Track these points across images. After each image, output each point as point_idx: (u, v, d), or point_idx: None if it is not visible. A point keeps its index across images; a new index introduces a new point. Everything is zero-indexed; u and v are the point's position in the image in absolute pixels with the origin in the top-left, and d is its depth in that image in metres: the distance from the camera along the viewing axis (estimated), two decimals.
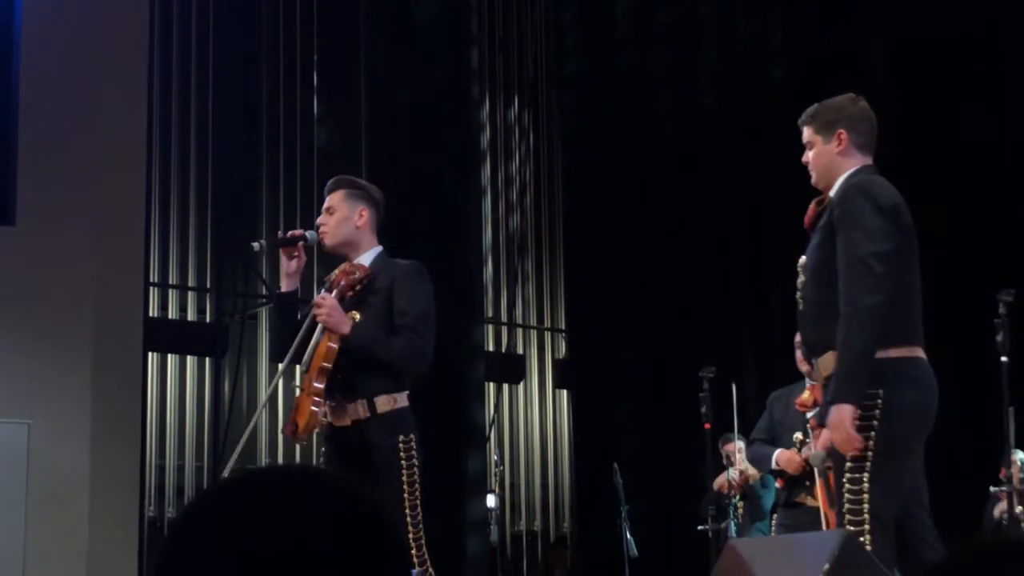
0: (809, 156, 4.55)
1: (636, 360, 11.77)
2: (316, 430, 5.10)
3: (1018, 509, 9.75)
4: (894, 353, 4.22)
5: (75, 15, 9.40)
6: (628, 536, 9.85)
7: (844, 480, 4.16)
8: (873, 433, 4.15)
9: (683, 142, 12.06)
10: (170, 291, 11.68)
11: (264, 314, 12.14)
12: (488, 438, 12.12)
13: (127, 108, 9.57)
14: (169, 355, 11.57)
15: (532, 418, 14.06)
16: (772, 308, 11.20)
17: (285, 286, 5.33)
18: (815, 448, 5.11)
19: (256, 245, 5.44)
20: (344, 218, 5.27)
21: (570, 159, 13.48)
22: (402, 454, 5.03)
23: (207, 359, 11.68)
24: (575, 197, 13.24)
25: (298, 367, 5.25)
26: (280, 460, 11.87)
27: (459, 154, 11.49)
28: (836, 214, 4.31)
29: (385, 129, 11.54)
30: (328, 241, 5.29)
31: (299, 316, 5.41)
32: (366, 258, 5.27)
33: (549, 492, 13.99)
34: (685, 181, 11.75)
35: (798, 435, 6.59)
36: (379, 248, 5.33)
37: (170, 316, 11.62)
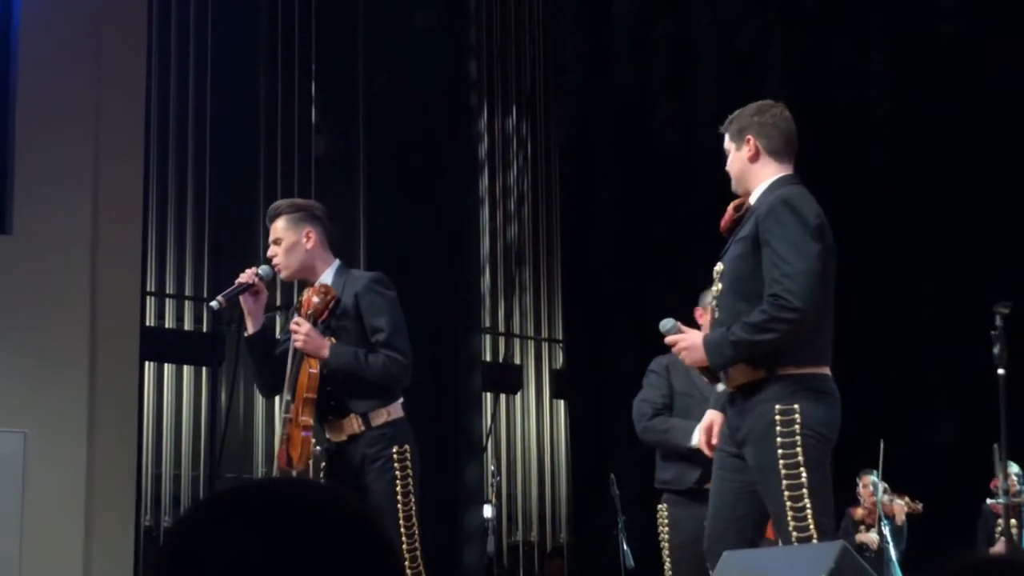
0: (728, 164, 4.61)
1: (634, 371, 11.77)
2: (310, 460, 5.09)
3: (1012, 521, 9.80)
4: (808, 370, 4.34)
5: (73, 26, 9.42)
6: (625, 547, 9.85)
7: (785, 500, 4.23)
8: (799, 448, 4.25)
9: (681, 153, 12.07)
10: (167, 300, 11.69)
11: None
12: (485, 448, 12.13)
13: (124, 116, 9.59)
14: (166, 364, 11.57)
15: (529, 428, 14.07)
16: None
17: (251, 327, 5.24)
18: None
19: (215, 304, 5.26)
20: (293, 244, 5.21)
21: (568, 169, 13.49)
22: (396, 465, 5.03)
23: (204, 368, 11.69)
24: (573, 207, 13.25)
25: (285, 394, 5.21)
26: (276, 470, 11.85)
27: (457, 164, 11.51)
28: (763, 228, 4.33)
29: (383, 139, 11.56)
30: (284, 274, 5.26)
31: (277, 348, 5.39)
32: (327, 276, 5.23)
33: (546, 503, 14.00)
34: (683, 191, 11.76)
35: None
36: (336, 263, 5.29)
37: (167, 325, 11.63)
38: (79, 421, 8.97)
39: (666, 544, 5.59)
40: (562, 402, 13.97)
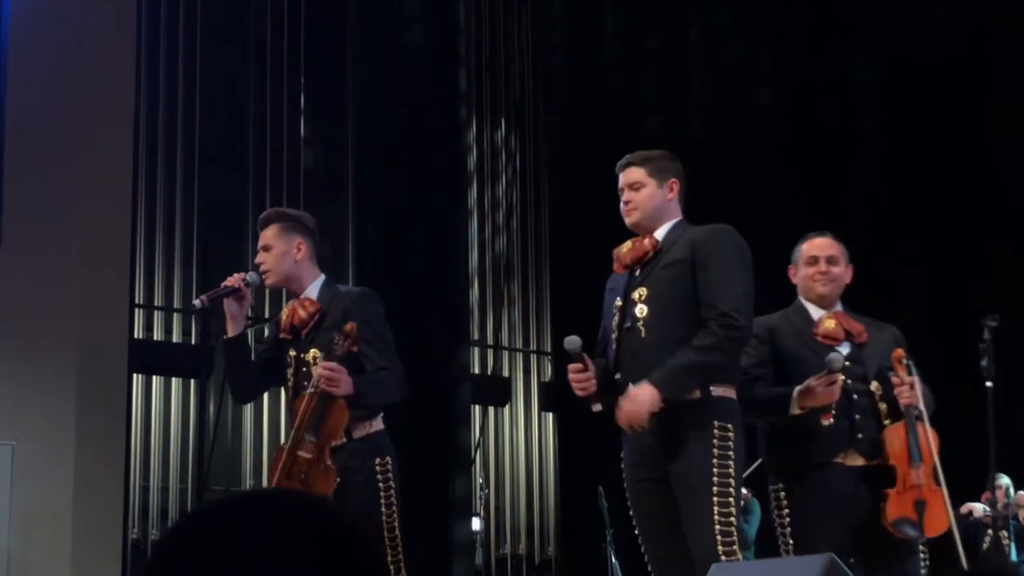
0: (634, 195, 4.86)
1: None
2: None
3: (1002, 533, 9.83)
4: (734, 393, 4.64)
5: (61, 37, 9.42)
6: (613, 560, 9.86)
7: (715, 506, 4.44)
8: (732, 464, 4.48)
9: None
10: (155, 312, 11.67)
11: (250, 335, 12.10)
12: (473, 461, 12.12)
13: (113, 128, 9.58)
14: (154, 376, 11.55)
15: (518, 441, 14.05)
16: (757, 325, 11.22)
17: (231, 331, 5.25)
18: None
19: (197, 303, 5.27)
20: (283, 253, 5.22)
21: (556, 182, 13.51)
22: (379, 477, 5.03)
23: (192, 380, 11.67)
24: (561, 220, 13.27)
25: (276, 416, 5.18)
26: (265, 482, 11.84)
27: (446, 176, 11.51)
28: (703, 252, 4.63)
29: (372, 151, 11.56)
30: (270, 280, 5.25)
31: (253, 356, 5.37)
32: (312, 290, 5.23)
33: (534, 515, 13.98)
34: None
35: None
36: (322, 277, 5.29)
37: (155, 337, 11.61)
38: (67, 433, 8.96)
39: (785, 523, 5.11)
40: (551, 415, 13.96)
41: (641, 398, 4.45)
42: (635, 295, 4.73)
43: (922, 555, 5.00)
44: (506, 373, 14.01)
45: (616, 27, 12.85)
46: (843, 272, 5.34)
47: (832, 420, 4.96)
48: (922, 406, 5.05)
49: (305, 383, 5.05)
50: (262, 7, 12.36)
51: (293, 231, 5.25)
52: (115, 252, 9.49)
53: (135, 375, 10.52)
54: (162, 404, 11.64)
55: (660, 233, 4.80)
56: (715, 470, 4.45)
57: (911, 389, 5.03)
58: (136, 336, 10.61)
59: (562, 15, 13.29)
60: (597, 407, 4.73)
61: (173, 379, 11.68)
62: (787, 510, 4.97)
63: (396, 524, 5.01)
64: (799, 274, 5.34)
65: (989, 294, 10.14)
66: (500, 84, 14.30)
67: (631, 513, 4.76)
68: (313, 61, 12.41)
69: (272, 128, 12.30)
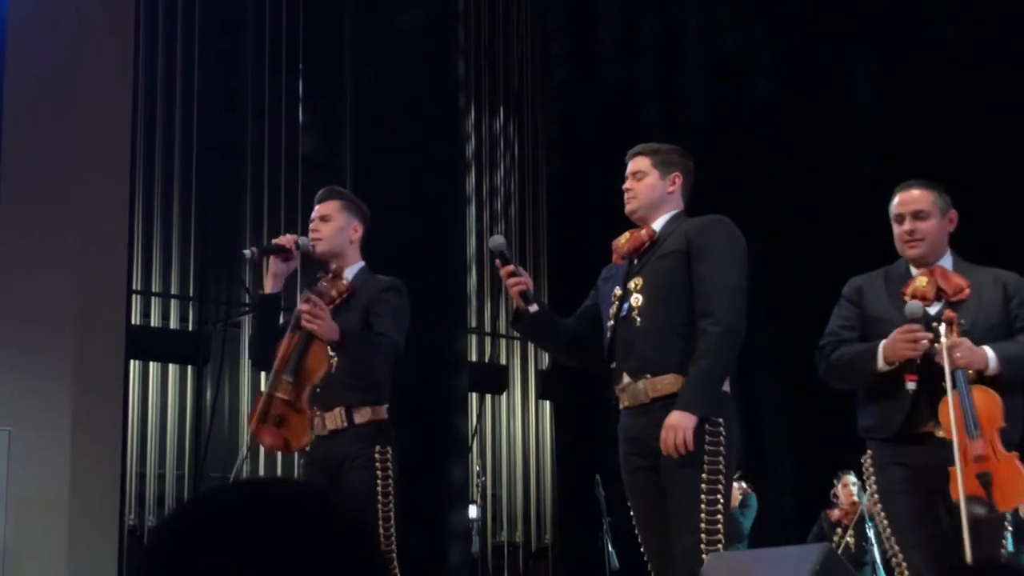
0: (636, 184, 4.90)
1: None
2: (307, 446, 5.05)
3: (849, 532, 9.88)
4: (727, 387, 4.60)
5: (60, 23, 9.39)
6: (610, 548, 9.86)
7: (702, 501, 4.42)
8: (722, 459, 4.48)
9: None
10: (153, 299, 11.65)
11: (247, 323, 12.12)
12: (471, 448, 12.12)
13: (111, 116, 9.56)
14: (151, 363, 11.54)
15: (515, 429, 14.06)
16: (758, 317, 11.23)
17: (270, 287, 5.27)
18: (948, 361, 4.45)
19: (248, 252, 5.31)
20: (340, 228, 5.28)
21: (555, 170, 13.50)
22: (378, 465, 5.03)
23: (189, 367, 11.67)
24: (560, 208, 13.26)
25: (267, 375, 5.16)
26: (261, 469, 11.84)
27: (444, 164, 11.50)
28: (700, 241, 4.65)
29: (370, 138, 11.54)
30: (321, 248, 5.26)
31: (280, 322, 5.39)
32: (350, 272, 5.26)
33: (531, 503, 13.98)
34: None
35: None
36: (362, 263, 5.33)
37: (152, 324, 11.60)
38: (64, 419, 8.94)
39: (875, 499, 4.85)
40: (548, 403, 13.97)
41: (679, 424, 4.42)
42: (631, 284, 4.76)
43: (1008, 529, 4.65)
44: (503, 361, 14.01)
45: (614, 15, 12.84)
46: (936, 226, 4.78)
47: (915, 383, 4.52)
48: (994, 364, 4.49)
49: None
50: None
51: (354, 212, 5.33)
52: (113, 238, 9.47)
53: (132, 361, 10.51)
54: (159, 390, 11.63)
55: (658, 224, 4.84)
56: (705, 465, 4.44)
57: (958, 350, 4.45)
58: (133, 322, 10.60)
59: (560, 2, 13.27)
60: (533, 307, 4.80)
61: (170, 365, 11.68)
62: (875, 485, 4.67)
63: (392, 514, 5.01)
64: (894, 233, 4.90)
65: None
66: (499, 72, 14.29)
67: (628, 501, 4.75)
68: (311, 47, 12.38)
69: (270, 115, 12.28)
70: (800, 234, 12.21)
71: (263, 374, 11.82)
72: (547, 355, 14.05)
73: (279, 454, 11.71)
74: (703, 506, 4.41)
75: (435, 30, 11.53)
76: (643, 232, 4.82)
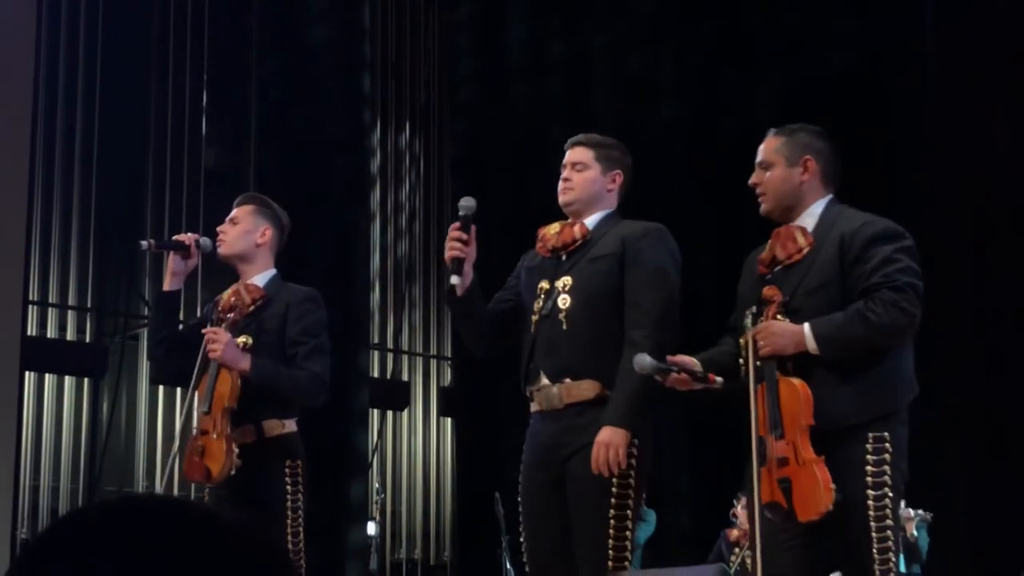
0: (575, 176, 4.70)
1: (519, 390, 11.79)
2: (231, 472, 4.92)
3: (746, 551, 9.96)
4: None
5: None
6: (508, 566, 9.85)
7: (611, 518, 4.28)
8: (633, 475, 4.31)
9: None
10: (50, 310, 11.49)
11: (145, 335, 11.98)
12: (371, 465, 12.06)
13: (10, 122, 9.41)
14: (47, 374, 11.37)
15: (415, 446, 14.02)
16: None
17: (168, 284, 5.18)
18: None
19: (145, 244, 5.24)
20: (246, 231, 5.17)
21: (460, 186, 13.48)
22: (288, 479, 4.97)
23: (86, 379, 11.51)
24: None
25: (187, 404, 5.06)
26: (159, 483, 11.70)
27: (349, 179, 11.46)
28: (635, 247, 4.47)
29: (275, 152, 11.47)
30: (224, 250, 5.17)
31: (180, 325, 5.31)
32: (260, 279, 5.18)
33: (431, 520, 13.95)
34: None
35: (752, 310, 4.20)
36: (273, 271, 5.23)
37: (49, 335, 11.43)
38: None
39: None
40: (449, 420, 13.95)
41: (612, 441, 4.25)
42: (559, 284, 4.57)
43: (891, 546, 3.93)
44: (405, 377, 13.97)
45: (521, 36, 12.86)
46: (781, 177, 4.32)
47: (721, 382, 4.14)
48: (812, 345, 3.97)
49: None
50: (166, 4, 12.22)
51: (265, 217, 5.21)
52: (9, 248, 9.32)
53: (28, 373, 10.35)
54: (55, 402, 11.46)
55: (591, 221, 4.64)
56: (615, 479, 4.28)
57: (762, 338, 4.01)
58: (29, 333, 10.43)
59: (468, 22, 13.27)
60: (455, 279, 4.59)
61: (66, 377, 11.51)
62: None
63: (300, 529, 4.96)
64: None
65: None
66: (406, 88, 14.28)
67: (519, 508, 4.61)
68: (216, 59, 12.28)
69: (173, 126, 12.16)
70: (703, 255, 12.30)
71: (161, 388, 11.75)
72: (449, 372, 14.03)
73: (177, 471, 11.54)
74: (612, 522, 4.27)
75: (342, 45, 11.49)
76: (575, 228, 4.63)
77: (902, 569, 10.02)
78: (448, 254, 4.59)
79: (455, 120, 13.52)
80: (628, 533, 4.31)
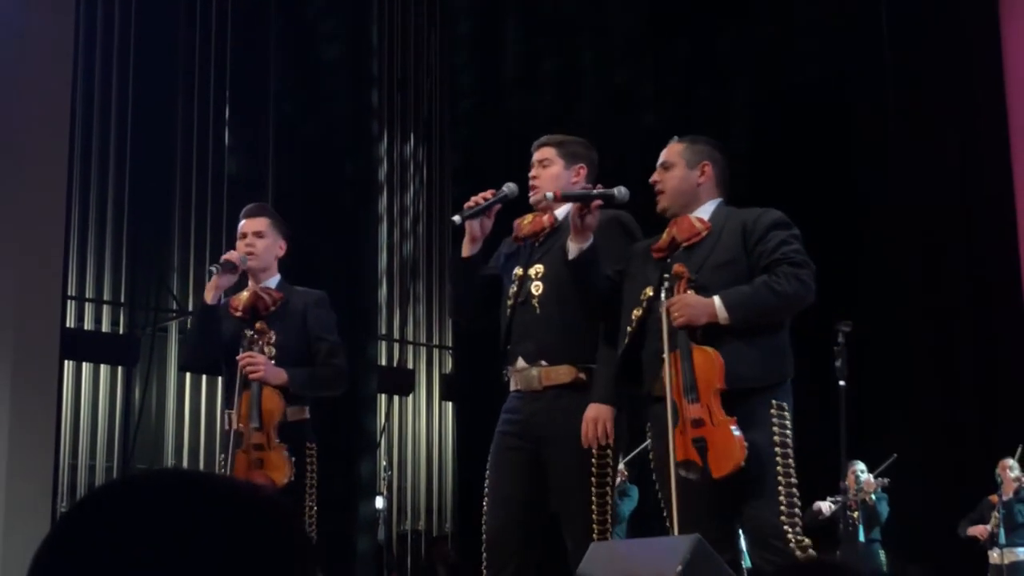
0: (541, 172, 4.68)
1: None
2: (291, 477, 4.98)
3: (855, 515, 9.95)
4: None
5: (2, 42, 9.26)
6: None
7: (592, 494, 4.23)
8: (609, 452, 4.25)
9: None
10: (86, 304, 11.54)
11: (174, 327, 12.04)
12: (379, 445, 12.11)
13: (50, 132, 9.44)
14: (84, 363, 11.43)
15: (420, 427, 14.07)
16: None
17: (211, 299, 5.17)
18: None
19: (213, 268, 5.16)
20: (271, 245, 5.24)
21: (460, 192, 13.51)
22: (307, 461, 5.05)
23: (119, 368, 11.56)
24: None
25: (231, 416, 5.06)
26: (185, 459, 11.76)
27: (358, 185, 11.50)
28: (603, 239, 4.30)
29: (291, 161, 11.51)
30: (254, 263, 5.20)
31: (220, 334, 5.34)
32: (272, 282, 5.26)
33: (434, 495, 14.00)
34: None
35: (648, 290, 4.26)
36: (279, 276, 5.30)
37: (86, 327, 11.48)
38: (2, 415, 8.82)
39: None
40: (450, 404, 13.99)
41: (600, 416, 4.19)
42: (532, 271, 4.51)
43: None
44: (410, 365, 14.02)
45: (516, 51, 12.90)
46: (679, 176, 4.36)
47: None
48: (723, 314, 4.01)
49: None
50: (191, 26, 12.26)
51: (280, 230, 5.30)
52: (50, 246, 9.35)
53: (66, 362, 10.39)
54: (91, 389, 11.52)
55: (560, 212, 4.56)
56: (594, 453, 4.23)
57: (676, 309, 4.03)
58: (68, 325, 10.48)
59: (468, 39, 13.31)
60: (457, 219, 4.54)
61: (102, 366, 11.56)
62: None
63: (315, 508, 5.04)
64: None
65: (843, 303, 10.33)
66: (410, 101, 14.31)
67: (486, 479, 4.52)
68: (238, 77, 12.33)
69: (199, 136, 12.21)
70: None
71: (188, 375, 11.79)
72: (450, 360, 14.08)
73: (202, 452, 11.64)
74: (594, 500, 4.23)
75: (351, 62, 11.53)
76: (545, 217, 4.59)
77: (860, 537, 10.05)
78: (469, 203, 4.57)
79: (456, 130, 13.55)
80: (608, 503, 4.26)
